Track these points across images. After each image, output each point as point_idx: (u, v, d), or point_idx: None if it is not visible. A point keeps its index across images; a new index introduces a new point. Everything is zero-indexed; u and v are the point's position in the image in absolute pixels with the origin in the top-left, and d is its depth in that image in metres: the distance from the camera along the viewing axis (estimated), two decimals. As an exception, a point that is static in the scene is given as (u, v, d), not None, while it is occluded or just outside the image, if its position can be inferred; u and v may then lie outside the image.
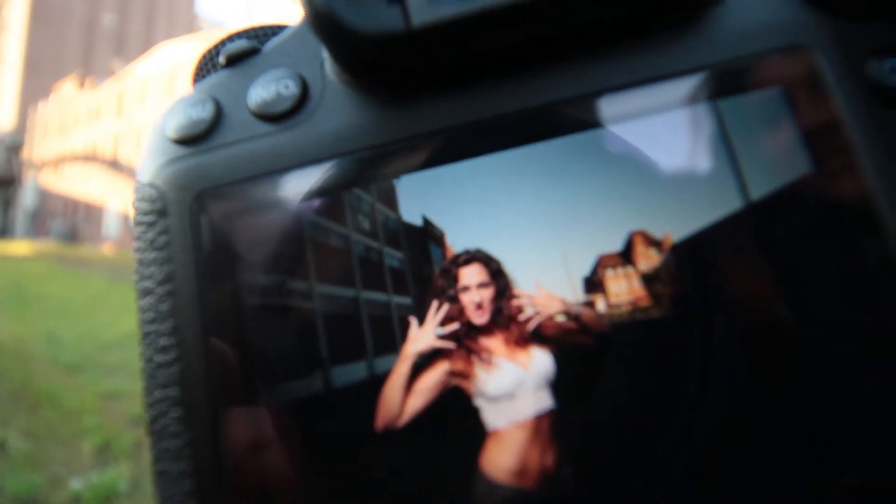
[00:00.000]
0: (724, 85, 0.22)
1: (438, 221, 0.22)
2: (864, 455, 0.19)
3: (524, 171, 0.22)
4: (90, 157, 31.74)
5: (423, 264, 0.22)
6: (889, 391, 0.19)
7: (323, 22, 0.21)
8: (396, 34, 0.21)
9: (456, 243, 0.22)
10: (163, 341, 0.23)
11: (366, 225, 0.23)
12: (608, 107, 0.22)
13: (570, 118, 0.22)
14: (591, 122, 0.22)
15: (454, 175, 0.22)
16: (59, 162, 34.54)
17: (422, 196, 0.22)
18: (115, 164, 28.91)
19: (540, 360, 0.21)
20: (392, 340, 0.22)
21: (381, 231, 0.23)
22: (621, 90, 0.22)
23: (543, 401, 0.20)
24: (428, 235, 0.22)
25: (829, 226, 0.21)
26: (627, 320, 0.21)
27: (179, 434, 0.22)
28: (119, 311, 7.00)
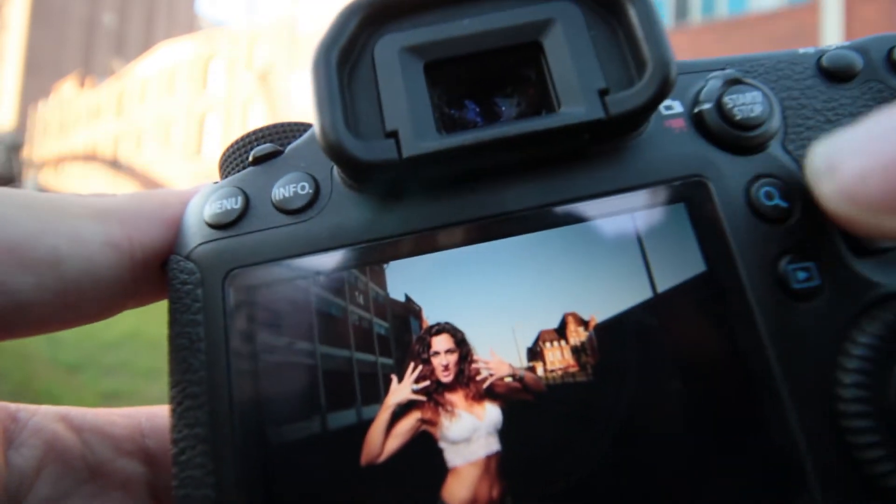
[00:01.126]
0: (641, 201, 0.29)
1: (417, 299, 0.29)
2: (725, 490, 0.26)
3: (487, 261, 0.29)
4: (90, 157, 31.68)
5: (404, 333, 0.29)
6: (754, 448, 0.26)
7: (333, 150, 0.28)
8: (390, 162, 0.28)
9: (430, 317, 0.28)
10: (194, 389, 0.28)
11: (360, 300, 0.29)
12: (553, 215, 0.29)
13: (523, 223, 0.29)
14: (539, 226, 0.29)
15: (431, 262, 0.29)
16: (59, 162, 34.48)
17: (405, 278, 0.29)
18: (115, 164, 28.88)
19: (491, 412, 0.27)
20: (377, 393, 0.28)
21: (371, 305, 0.29)
22: (563, 204, 0.29)
23: (492, 445, 0.27)
24: (408, 310, 0.29)
25: (713, 313, 0.28)
26: (560, 382, 0.28)
27: (204, 465, 0.27)
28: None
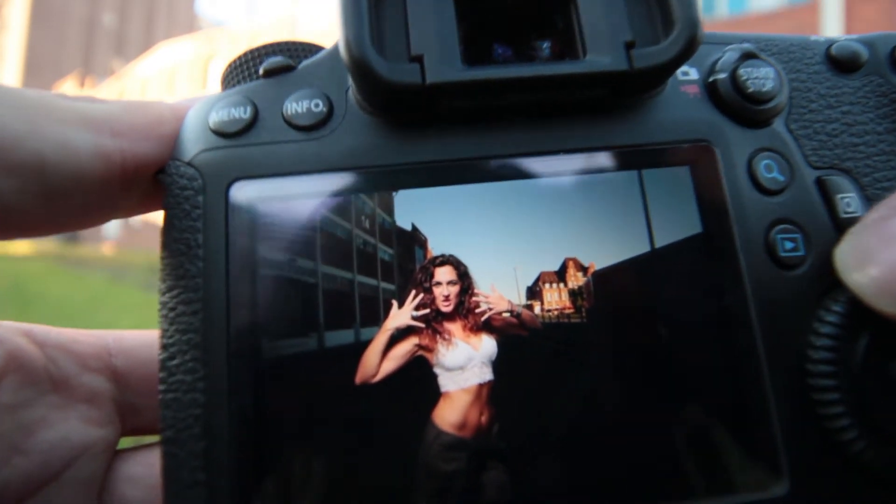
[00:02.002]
0: (648, 159, 0.30)
1: (424, 229, 0.29)
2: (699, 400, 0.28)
3: (496, 201, 0.30)
4: (90, 157, 31.56)
5: (408, 260, 0.29)
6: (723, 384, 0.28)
7: (356, 66, 0.27)
8: (413, 86, 0.28)
9: (435, 248, 0.29)
10: (189, 295, 0.28)
11: (366, 224, 0.29)
12: (565, 163, 0.30)
13: (535, 167, 0.30)
14: (549, 172, 0.30)
15: (441, 195, 0.30)
16: (58, 161, 34.35)
17: (413, 208, 0.29)
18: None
19: (487, 344, 0.28)
20: (376, 316, 0.28)
21: (377, 230, 0.29)
22: (575, 153, 0.30)
23: (486, 374, 0.28)
24: (414, 239, 0.29)
25: (704, 271, 0.30)
26: (555, 322, 0.29)
27: (195, 370, 0.27)
28: (119, 311, 7.00)
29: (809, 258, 0.29)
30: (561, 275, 0.29)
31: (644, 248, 0.29)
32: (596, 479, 0.27)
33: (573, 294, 0.29)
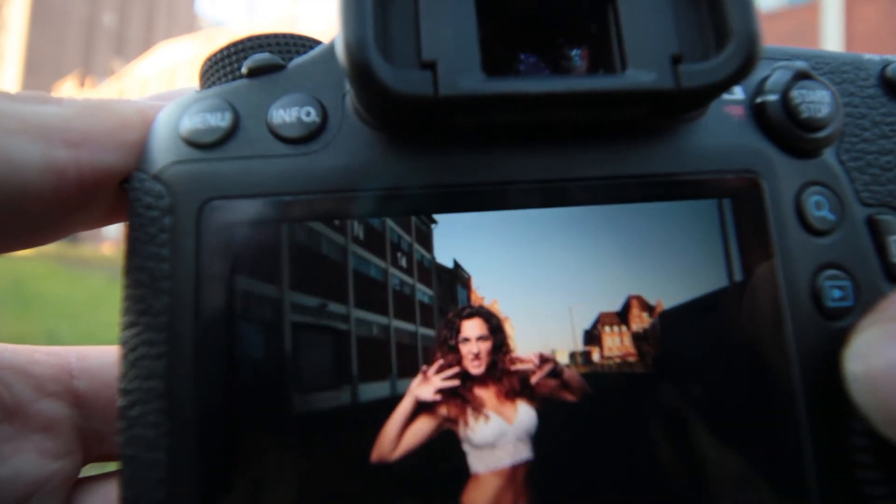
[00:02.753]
0: (689, 190, 0.27)
1: (465, 265, 0.25)
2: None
3: (546, 230, 0.26)
4: (90, 157, 31.69)
5: (448, 301, 0.25)
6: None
7: (357, 71, 0.22)
8: (424, 98, 0.23)
9: (480, 287, 0.25)
10: (152, 335, 0.24)
11: (399, 260, 0.26)
12: (596, 192, 0.26)
13: (565, 194, 0.26)
14: (579, 201, 0.26)
15: (461, 223, 0.26)
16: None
17: (447, 240, 0.26)
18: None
19: (524, 415, 0.23)
20: (387, 369, 0.24)
21: (414, 267, 0.26)
22: (602, 180, 0.26)
23: (521, 452, 0.23)
24: (456, 277, 0.25)
25: (744, 319, 0.26)
26: (614, 372, 0.25)
27: (158, 425, 0.23)
28: (119, 311, 6.98)
29: (858, 308, 0.26)
30: (623, 316, 0.25)
31: (720, 282, 0.26)
32: None
33: (637, 338, 0.25)
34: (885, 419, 0.22)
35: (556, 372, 0.24)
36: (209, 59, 0.30)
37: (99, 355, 0.33)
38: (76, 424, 0.31)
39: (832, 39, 13.19)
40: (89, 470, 0.33)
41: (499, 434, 0.23)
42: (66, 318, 6.45)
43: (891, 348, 0.22)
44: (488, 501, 0.23)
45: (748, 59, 0.24)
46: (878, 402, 0.22)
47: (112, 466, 0.30)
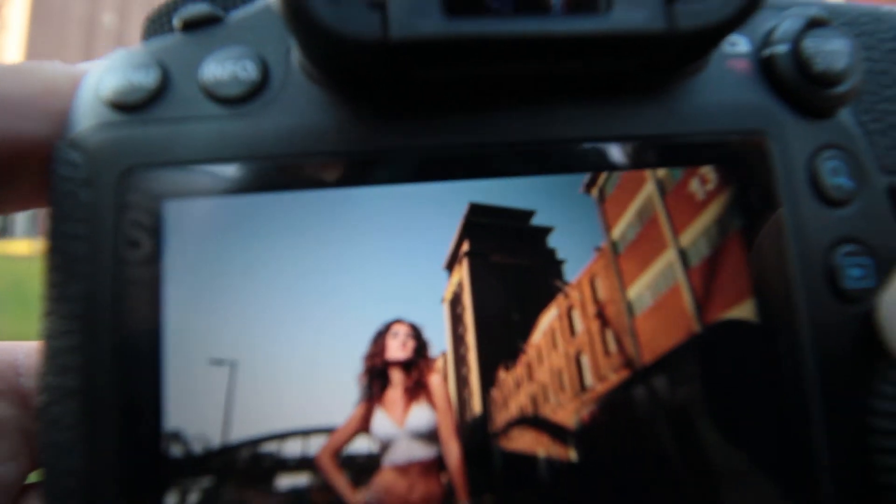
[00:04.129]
0: (686, 155, 0.24)
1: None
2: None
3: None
4: (90, 157, 32.14)
5: None
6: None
7: (294, 12, 0.20)
8: (371, 43, 0.20)
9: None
10: (67, 324, 0.21)
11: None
12: (564, 155, 0.23)
13: (537, 161, 0.23)
14: (559, 167, 0.23)
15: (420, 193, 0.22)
16: (58, 161, 34.90)
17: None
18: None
19: (414, 417, 0.22)
20: None
21: None
22: (586, 142, 0.23)
23: (416, 451, 0.22)
24: None
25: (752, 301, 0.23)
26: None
27: (73, 426, 0.21)
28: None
29: (880, 290, 0.23)
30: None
31: (672, 270, 0.23)
32: None
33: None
34: None
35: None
36: (148, 17, 0.27)
37: None
38: (22, 426, 0.29)
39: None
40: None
41: (392, 434, 0.22)
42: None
43: None
44: (388, 491, 0.22)
45: None
46: None
47: None
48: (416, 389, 0.22)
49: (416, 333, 0.22)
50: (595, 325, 0.22)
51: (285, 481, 0.21)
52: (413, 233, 0.22)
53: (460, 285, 0.22)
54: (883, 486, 0.23)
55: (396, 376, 0.21)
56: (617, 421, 0.22)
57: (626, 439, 0.22)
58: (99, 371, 0.21)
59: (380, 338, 0.21)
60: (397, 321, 0.21)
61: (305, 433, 0.20)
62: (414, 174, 0.22)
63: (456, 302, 0.22)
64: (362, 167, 0.23)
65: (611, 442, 0.22)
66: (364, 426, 0.21)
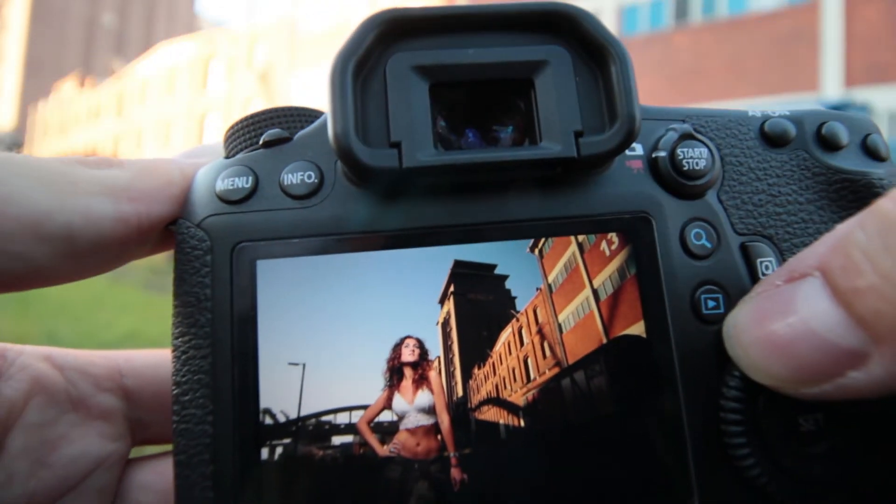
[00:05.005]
0: (594, 227, 0.34)
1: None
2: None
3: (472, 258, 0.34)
4: (90, 157, 31.57)
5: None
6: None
7: (343, 154, 0.31)
8: (392, 170, 0.31)
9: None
10: (199, 342, 0.32)
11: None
12: (522, 231, 0.34)
13: (494, 233, 0.34)
14: (505, 236, 0.34)
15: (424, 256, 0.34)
16: (58, 161, 34.32)
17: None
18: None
19: (420, 398, 0.33)
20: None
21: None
22: (530, 221, 0.34)
23: (422, 419, 0.32)
24: None
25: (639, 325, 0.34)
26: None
27: (205, 406, 0.31)
28: (119, 311, 6.97)
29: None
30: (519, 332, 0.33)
31: (588, 302, 0.33)
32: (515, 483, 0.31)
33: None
34: (747, 364, 0.29)
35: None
36: (230, 129, 0.38)
37: (142, 358, 0.41)
38: (126, 414, 0.39)
39: (832, 39, 13.17)
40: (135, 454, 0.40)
41: (406, 409, 0.32)
42: (66, 318, 6.45)
43: (748, 313, 0.29)
44: (403, 446, 0.32)
45: (629, 134, 0.32)
46: (742, 353, 0.29)
47: (152, 450, 0.41)
48: (421, 381, 0.32)
49: (421, 344, 0.32)
50: (537, 339, 0.33)
51: (337, 440, 0.31)
52: (419, 280, 0.32)
53: (449, 313, 0.32)
54: (728, 445, 0.32)
55: (408, 372, 0.32)
56: (551, 401, 0.32)
57: (557, 413, 0.32)
58: (221, 371, 0.32)
59: (397, 347, 0.32)
60: (408, 336, 0.32)
61: (350, 409, 0.31)
62: (419, 241, 0.33)
63: (446, 324, 0.32)
64: (385, 239, 0.33)
65: (547, 414, 0.32)
66: (388, 404, 0.31)
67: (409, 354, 0.32)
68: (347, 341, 0.32)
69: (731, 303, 0.33)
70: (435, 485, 0.31)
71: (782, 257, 0.35)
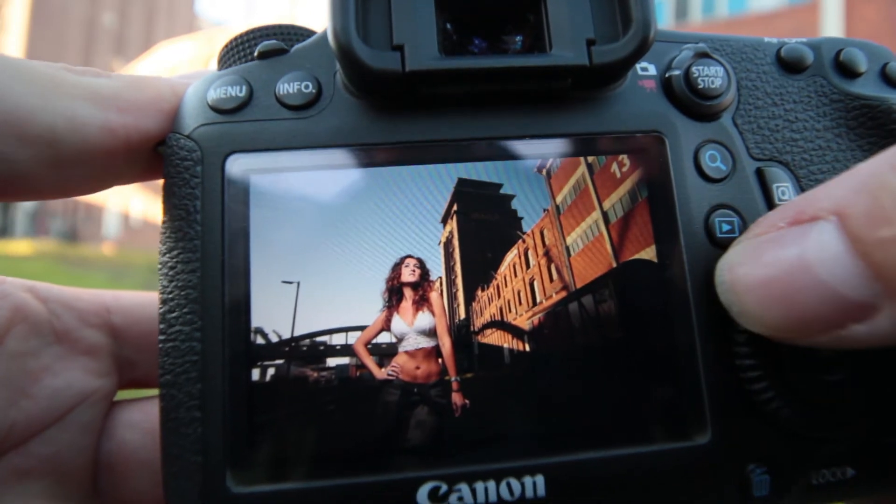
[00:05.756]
0: (604, 146, 0.33)
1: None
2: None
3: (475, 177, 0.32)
4: (90, 157, 31.60)
5: None
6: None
7: (342, 53, 0.29)
8: (394, 73, 0.30)
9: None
10: (188, 255, 0.30)
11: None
12: (530, 148, 0.33)
13: (497, 150, 0.32)
14: (507, 156, 0.32)
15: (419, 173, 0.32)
16: (58, 161, 34.35)
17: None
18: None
19: (421, 320, 0.31)
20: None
21: None
22: (538, 139, 0.33)
23: (421, 342, 0.31)
24: None
25: (651, 247, 0.32)
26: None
27: (193, 321, 0.30)
28: (118, 310, 6.96)
29: None
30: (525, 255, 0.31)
31: (597, 225, 0.32)
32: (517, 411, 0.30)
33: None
34: (741, 312, 0.27)
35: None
36: (226, 46, 0.37)
37: (130, 297, 0.39)
38: (112, 351, 0.38)
39: (831, 39, 13.14)
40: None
41: (405, 331, 0.31)
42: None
43: (745, 256, 0.27)
44: (402, 369, 0.30)
45: (644, 40, 0.30)
46: (736, 299, 0.27)
47: (140, 394, 0.39)
48: (421, 302, 0.30)
49: (422, 264, 0.31)
50: (543, 261, 0.31)
51: (332, 361, 0.30)
52: (420, 198, 0.31)
53: (451, 233, 0.31)
54: (742, 371, 0.30)
55: (408, 293, 0.30)
56: (558, 325, 0.31)
57: (562, 337, 0.31)
58: (210, 286, 0.30)
59: (397, 267, 0.30)
60: (408, 256, 0.31)
61: (346, 329, 0.30)
62: (421, 158, 0.32)
63: (448, 244, 0.31)
64: (386, 154, 0.31)
65: (552, 339, 0.31)
66: (386, 326, 0.30)
67: (409, 274, 0.31)
68: (344, 260, 0.30)
69: (745, 227, 0.32)
70: (435, 409, 0.29)
71: (798, 184, 0.34)
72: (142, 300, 0.39)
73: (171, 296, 0.30)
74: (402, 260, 0.31)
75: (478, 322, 0.30)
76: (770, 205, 0.33)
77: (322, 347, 0.30)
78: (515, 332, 0.30)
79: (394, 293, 0.30)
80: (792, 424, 0.30)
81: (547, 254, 0.31)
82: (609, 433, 0.30)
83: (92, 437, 0.36)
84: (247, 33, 0.36)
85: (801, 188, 0.34)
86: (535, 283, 0.31)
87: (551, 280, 0.31)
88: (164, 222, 0.32)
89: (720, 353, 0.31)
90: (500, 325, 0.30)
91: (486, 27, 0.33)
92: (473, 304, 0.30)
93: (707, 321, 0.31)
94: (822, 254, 0.24)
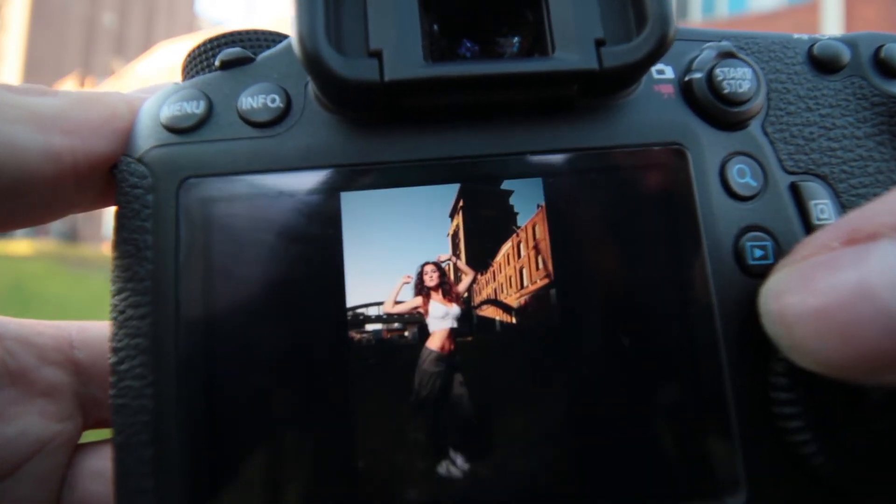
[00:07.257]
0: (618, 162, 0.30)
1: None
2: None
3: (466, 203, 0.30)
4: (90, 157, 31.49)
5: None
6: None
7: (309, 61, 0.25)
8: (371, 83, 0.26)
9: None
10: (138, 298, 0.27)
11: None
12: (528, 164, 0.30)
13: (498, 168, 0.30)
14: (514, 174, 0.30)
15: (399, 197, 0.30)
16: (58, 161, 34.26)
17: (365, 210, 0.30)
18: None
19: (453, 308, 0.32)
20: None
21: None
22: (537, 154, 0.29)
23: (451, 323, 0.31)
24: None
25: (672, 277, 0.29)
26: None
27: (144, 376, 0.26)
28: (120, 310, 6.95)
29: None
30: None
31: (612, 250, 0.30)
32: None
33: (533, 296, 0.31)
34: (791, 346, 0.23)
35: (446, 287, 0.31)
36: (188, 55, 0.33)
37: (98, 329, 0.35)
38: (76, 391, 0.34)
39: (829, 39, 13.15)
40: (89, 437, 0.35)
41: (442, 314, 0.31)
42: (67, 317, 6.37)
43: (794, 282, 0.23)
44: (434, 343, 0.30)
45: (662, 39, 0.26)
46: (785, 332, 0.23)
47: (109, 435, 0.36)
48: (441, 296, 0.31)
49: (439, 268, 0.31)
50: (532, 253, 0.33)
51: (371, 327, 0.29)
52: (427, 204, 0.31)
53: (458, 226, 0.32)
54: (779, 419, 0.26)
55: (430, 291, 0.31)
56: (539, 304, 0.31)
57: (544, 315, 0.30)
58: (162, 334, 0.26)
59: (420, 276, 0.30)
60: (427, 264, 0.31)
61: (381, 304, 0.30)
62: (403, 181, 0.29)
63: (455, 236, 0.32)
64: (364, 176, 0.28)
65: (535, 315, 0.30)
66: (424, 307, 0.31)
67: (430, 281, 0.31)
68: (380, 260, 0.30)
69: (780, 251, 0.28)
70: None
71: (838, 200, 0.30)
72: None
73: (120, 344, 0.27)
74: (423, 268, 0.31)
75: (477, 300, 0.33)
76: (807, 225, 0.29)
77: (364, 315, 0.28)
78: (505, 308, 0.31)
79: (421, 292, 0.31)
80: (835, 480, 0.26)
81: (536, 246, 0.34)
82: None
83: (52, 490, 0.32)
84: (210, 40, 0.32)
85: (842, 205, 0.30)
86: (524, 271, 0.33)
87: (537, 269, 0.34)
88: (113, 258, 0.28)
89: (755, 400, 0.27)
90: (494, 302, 0.31)
91: (477, 28, 0.29)
92: (474, 285, 0.34)
93: (739, 363, 0.27)
94: (887, 277, 0.20)
